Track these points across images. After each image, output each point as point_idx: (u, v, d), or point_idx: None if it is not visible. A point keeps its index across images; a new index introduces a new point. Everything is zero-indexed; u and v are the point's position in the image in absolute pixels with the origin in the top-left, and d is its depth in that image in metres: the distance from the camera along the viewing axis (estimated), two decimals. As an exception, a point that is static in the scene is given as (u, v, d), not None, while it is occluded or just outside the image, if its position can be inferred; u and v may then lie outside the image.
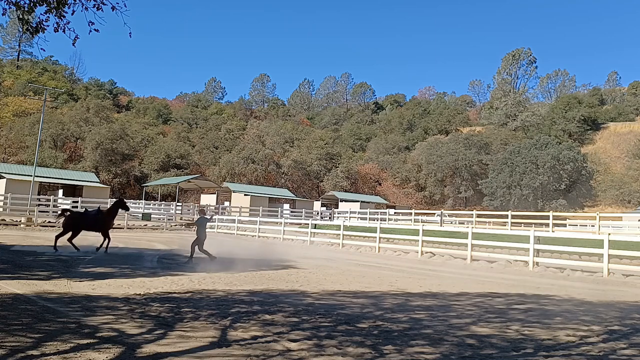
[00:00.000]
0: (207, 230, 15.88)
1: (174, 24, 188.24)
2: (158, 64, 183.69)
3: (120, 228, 31.35)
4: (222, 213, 43.54)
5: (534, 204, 62.74)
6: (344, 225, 25.98)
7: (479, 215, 38.04)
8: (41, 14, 8.07)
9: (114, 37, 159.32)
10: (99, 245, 15.91)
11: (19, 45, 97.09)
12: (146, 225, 33.35)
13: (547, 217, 29.47)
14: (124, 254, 16.59)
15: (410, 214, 41.25)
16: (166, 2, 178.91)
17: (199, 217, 16.35)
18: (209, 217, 16.81)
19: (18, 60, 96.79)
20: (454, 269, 16.80)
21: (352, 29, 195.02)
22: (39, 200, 36.41)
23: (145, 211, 39.25)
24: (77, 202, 36.77)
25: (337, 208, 52.04)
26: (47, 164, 52.85)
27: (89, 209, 18.23)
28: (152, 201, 49.12)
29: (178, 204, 43.44)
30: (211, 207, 45.37)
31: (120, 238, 22.48)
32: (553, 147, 63.88)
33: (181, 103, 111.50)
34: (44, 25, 8.03)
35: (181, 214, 41.20)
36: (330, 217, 47.53)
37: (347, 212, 46.80)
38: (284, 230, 28.72)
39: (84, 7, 7.88)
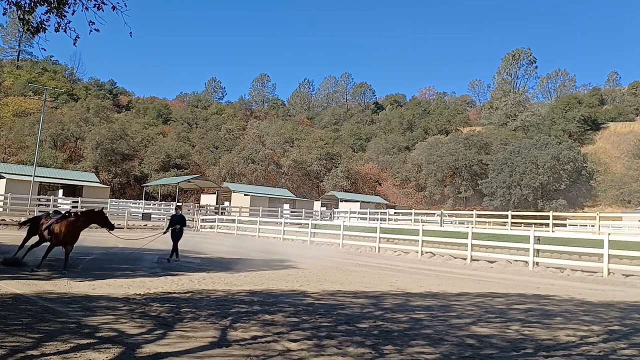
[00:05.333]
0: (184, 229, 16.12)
1: (174, 24, 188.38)
2: (158, 64, 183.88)
3: (120, 228, 31.36)
4: (222, 213, 43.55)
5: (534, 204, 62.71)
6: (344, 225, 25.96)
7: (479, 215, 38.02)
8: (42, 13, 8.09)
9: (114, 37, 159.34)
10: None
11: (19, 45, 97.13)
12: (146, 225, 33.35)
13: (547, 217, 29.48)
14: (124, 254, 16.59)
15: (410, 214, 41.23)
16: (166, 2, 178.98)
17: (174, 214, 16.73)
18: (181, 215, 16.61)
19: (18, 60, 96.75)
20: (454, 269, 16.81)
21: (352, 29, 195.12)
22: (39, 200, 36.41)
23: (145, 211, 39.26)
24: (77, 202, 36.77)
25: (337, 208, 52.01)
26: (47, 164, 52.84)
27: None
28: (152, 201, 49.11)
29: (178, 204, 43.41)
30: (211, 207, 45.39)
31: (120, 238, 22.44)
32: (553, 147, 63.84)
33: (181, 103, 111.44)
34: (44, 25, 8.05)
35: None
36: (330, 217, 47.51)
37: (347, 212, 46.78)
38: (284, 230, 28.71)
39: (84, 7, 7.89)
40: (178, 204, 34.02)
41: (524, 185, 62.87)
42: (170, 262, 14.86)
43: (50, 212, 13.32)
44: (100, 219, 12.01)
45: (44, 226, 11.96)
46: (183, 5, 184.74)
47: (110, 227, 12.15)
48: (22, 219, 15.40)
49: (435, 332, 6.79)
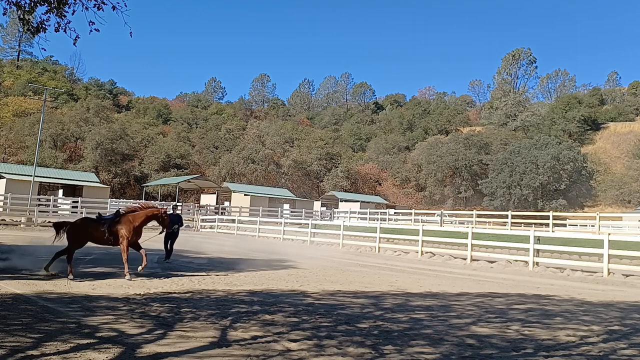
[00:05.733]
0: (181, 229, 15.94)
1: (174, 24, 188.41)
2: (158, 64, 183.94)
3: (120, 228, 31.35)
4: (222, 213, 43.55)
5: (534, 204, 62.70)
6: (344, 225, 25.97)
7: (479, 215, 38.03)
8: (42, 13, 8.11)
9: (114, 37, 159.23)
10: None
11: (19, 45, 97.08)
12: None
13: (547, 217, 29.49)
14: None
15: (410, 214, 41.24)
16: (166, 2, 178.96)
17: (171, 213, 16.54)
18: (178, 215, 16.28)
19: (18, 60, 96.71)
20: (454, 269, 16.81)
21: (352, 29, 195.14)
22: (39, 200, 36.40)
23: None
24: (77, 202, 36.79)
25: (337, 208, 52.02)
26: (47, 164, 52.82)
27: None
28: (152, 201, 49.07)
29: (178, 204, 43.42)
30: (211, 207, 45.39)
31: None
32: (553, 147, 63.82)
33: (181, 103, 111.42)
34: (44, 25, 8.06)
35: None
36: (330, 217, 47.51)
37: (347, 212, 46.78)
38: (284, 230, 28.71)
39: (84, 7, 7.90)
40: (177, 204, 34.01)
41: (524, 185, 62.87)
42: (170, 263, 14.85)
43: (94, 216, 12.45)
44: (161, 218, 12.28)
45: (102, 229, 11.33)
46: (183, 5, 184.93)
47: (166, 228, 12.71)
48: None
49: (435, 332, 6.79)
